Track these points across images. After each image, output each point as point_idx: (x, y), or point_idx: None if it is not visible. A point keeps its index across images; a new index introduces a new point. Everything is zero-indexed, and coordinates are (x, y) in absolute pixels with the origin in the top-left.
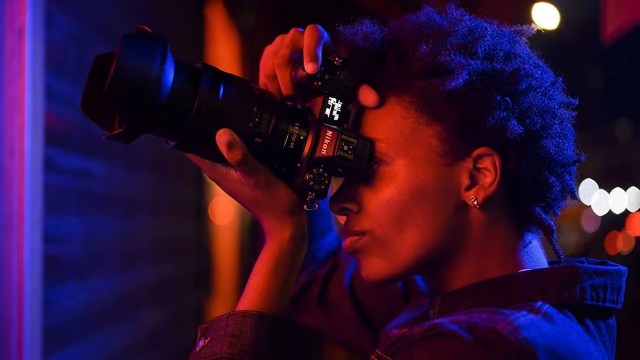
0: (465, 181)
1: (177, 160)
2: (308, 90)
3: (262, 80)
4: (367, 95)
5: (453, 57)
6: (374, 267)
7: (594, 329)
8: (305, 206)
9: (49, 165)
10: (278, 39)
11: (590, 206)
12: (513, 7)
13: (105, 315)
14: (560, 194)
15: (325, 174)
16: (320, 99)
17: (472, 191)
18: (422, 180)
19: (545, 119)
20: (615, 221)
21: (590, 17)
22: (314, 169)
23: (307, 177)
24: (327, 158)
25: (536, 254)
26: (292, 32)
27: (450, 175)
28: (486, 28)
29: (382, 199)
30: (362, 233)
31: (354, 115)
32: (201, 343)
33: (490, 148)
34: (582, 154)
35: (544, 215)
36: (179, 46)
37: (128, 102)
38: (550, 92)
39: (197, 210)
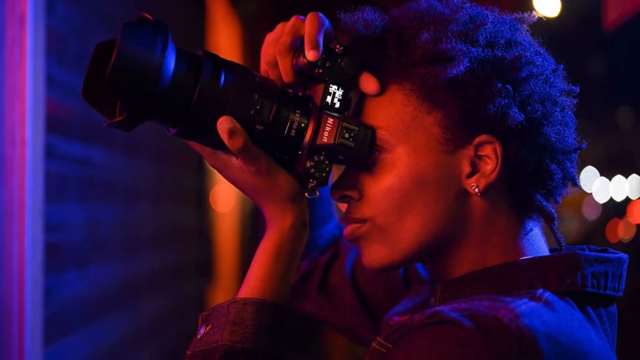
0: (467, 169)
1: (178, 147)
2: (309, 77)
3: (263, 67)
4: (368, 83)
5: (454, 44)
6: (375, 254)
7: (595, 316)
8: (306, 194)
9: (50, 153)
10: (279, 27)
11: (591, 194)
12: None
13: (107, 303)
14: (561, 181)
15: (326, 162)
16: (321, 87)
17: (473, 179)
18: (423, 168)
19: (546, 106)
20: (617, 209)
21: (592, 4)
22: (315, 157)
23: (308, 165)
24: (328, 145)
25: (537, 242)
26: (293, 19)
27: (452, 162)
28: (487, 15)
29: (383, 186)
30: (363, 220)
31: (355, 103)
32: (202, 330)
33: (491, 135)
34: (583, 141)
35: (545, 203)
36: (180, 34)
37: (129, 90)
38: (551, 79)
39: (198, 198)
